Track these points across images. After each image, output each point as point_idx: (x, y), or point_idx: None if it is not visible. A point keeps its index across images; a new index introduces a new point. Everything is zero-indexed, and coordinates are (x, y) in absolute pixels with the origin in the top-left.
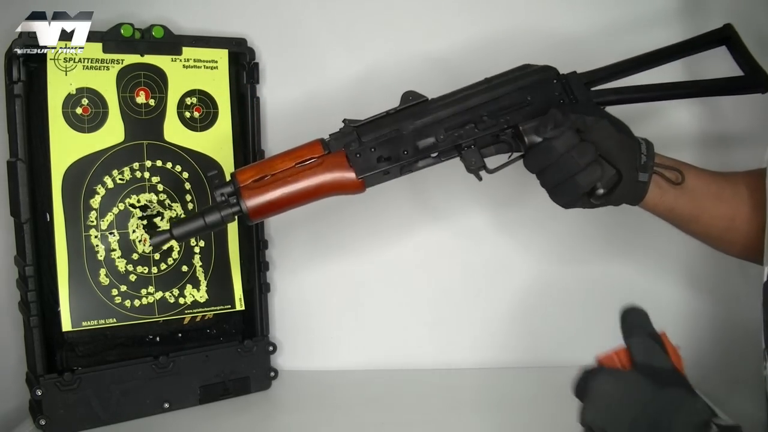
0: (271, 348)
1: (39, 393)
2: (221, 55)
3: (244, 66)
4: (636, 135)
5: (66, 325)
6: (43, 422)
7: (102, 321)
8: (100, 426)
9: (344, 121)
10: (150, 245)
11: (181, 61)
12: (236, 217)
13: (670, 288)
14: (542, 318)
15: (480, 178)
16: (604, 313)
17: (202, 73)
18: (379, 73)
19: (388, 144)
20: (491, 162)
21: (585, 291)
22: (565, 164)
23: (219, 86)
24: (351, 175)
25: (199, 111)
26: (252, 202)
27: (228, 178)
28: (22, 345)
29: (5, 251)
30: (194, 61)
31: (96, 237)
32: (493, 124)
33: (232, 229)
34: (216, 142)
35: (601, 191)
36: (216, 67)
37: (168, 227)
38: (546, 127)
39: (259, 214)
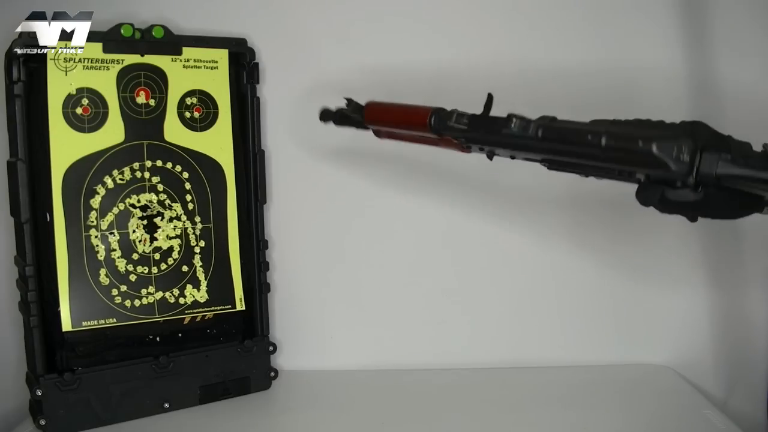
0: (271, 348)
1: (39, 393)
2: (221, 55)
3: (244, 66)
4: None
5: (66, 325)
6: (43, 422)
7: (102, 321)
8: (100, 426)
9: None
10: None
11: (181, 61)
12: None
13: (670, 289)
14: (541, 318)
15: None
16: (603, 313)
17: (202, 73)
18: (379, 74)
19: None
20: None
21: (584, 291)
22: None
23: (219, 86)
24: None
25: (199, 111)
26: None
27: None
28: (22, 345)
29: (5, 251)
30: (194, 61)
31: (96, 237)
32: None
33: (232, 229)
34: (216, 142)
35: None
36: (216, 67)
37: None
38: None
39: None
